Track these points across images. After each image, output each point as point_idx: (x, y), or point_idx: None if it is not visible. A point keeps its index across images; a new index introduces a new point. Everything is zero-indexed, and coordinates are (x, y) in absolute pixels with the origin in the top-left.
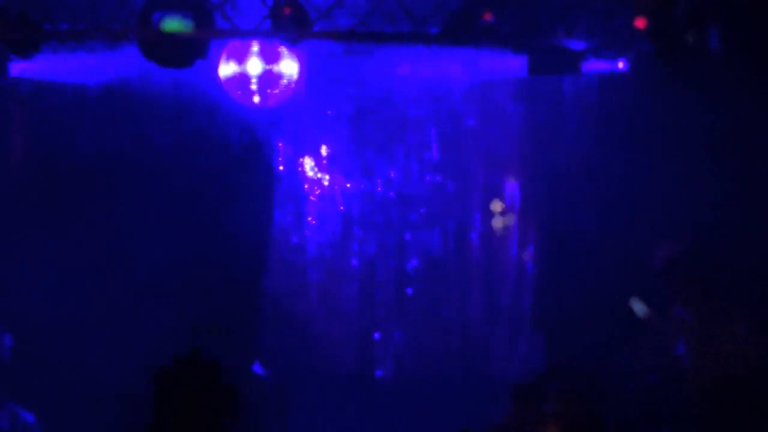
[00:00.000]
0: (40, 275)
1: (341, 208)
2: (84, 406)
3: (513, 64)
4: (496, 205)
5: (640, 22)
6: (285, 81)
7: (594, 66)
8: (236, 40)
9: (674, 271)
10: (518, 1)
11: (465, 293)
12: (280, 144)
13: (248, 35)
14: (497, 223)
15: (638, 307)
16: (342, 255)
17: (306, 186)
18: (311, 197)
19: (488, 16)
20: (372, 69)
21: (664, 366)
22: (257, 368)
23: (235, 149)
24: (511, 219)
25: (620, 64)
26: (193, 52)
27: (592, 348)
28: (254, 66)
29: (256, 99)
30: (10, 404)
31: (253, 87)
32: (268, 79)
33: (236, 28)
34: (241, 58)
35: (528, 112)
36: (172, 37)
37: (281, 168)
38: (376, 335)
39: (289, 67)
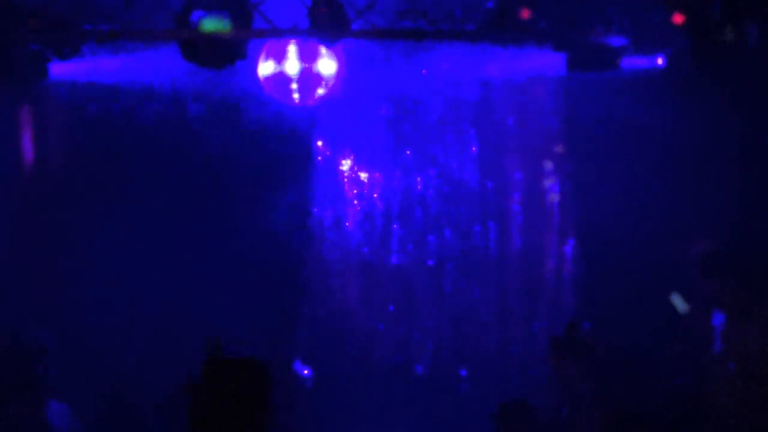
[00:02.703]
0: (80, 276)
1: (380, 206)
2: (125, 404)
3: (551, 62)
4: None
5: (678, 18)
6: (323, 80)
7: (632, 62)
8: (275, 40)
9: (712, 267)
10: None
11: (504, 290)
12: (319, 143)
13: (286, 35)
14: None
15: (679, 303)
16: (381, 253)
17: (345, 184)
18: (350, 196)
19: (526, 14)
20: (410, 67)
21: (701, 364)
22: (297, 366)
23: (274, 148)
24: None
25: (659, 61)
26: (232, 52)
27: (631, 345)
28: (293, 65)
29: (295, 98)
30: (54, 402)
31: (292, 86)
32: (307, 78)
33: (275, 28)
34: (279, 57)
35: (566, 110)
36: (211, 37)
37: (320, 166)
38: (416, 332)
39: (327, 66)
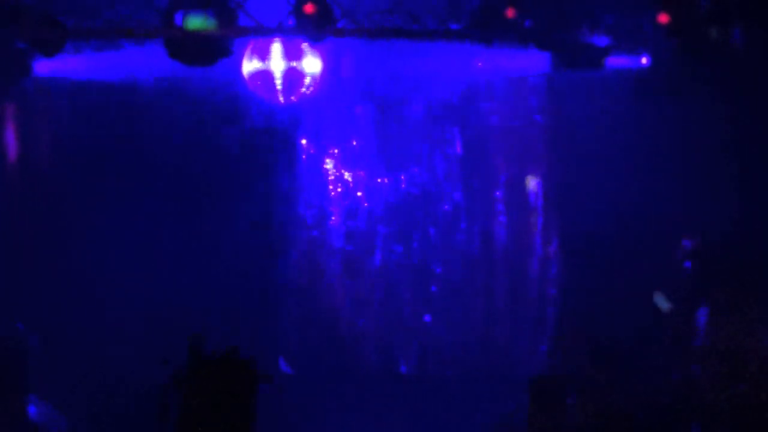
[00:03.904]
0: (65, 274)
1: (365, 204)
2: (110, 401)
3: (536, 61)
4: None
5: (663, 18)
6: (308, 78)
7: (617, 62)
8: (260, 38)
9: (697, 266)
10: None
11: (489, 289)
12: (303, 141)
13: (271, 33)
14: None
15: (662, 302)
16: (366, 251)
17: (329, 182)
18: (335, 194)
19: (511, 13)
20: (395, 66)
21: (688, 361)
22: (282, 365)
23: (259, 146)
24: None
25: (643, 60)
26: (217, 50)
27: (616, 344)
28: (277, 63)
29: (280, 96)
30: (41, 402)
31: (277, 84)
32: (292, 76)
33: (260, 26)
34: (264, 55)
35: (551, 109)
36: (196, 35)
37: (304, 165)
38: (401, 331)
39: (312, 64)
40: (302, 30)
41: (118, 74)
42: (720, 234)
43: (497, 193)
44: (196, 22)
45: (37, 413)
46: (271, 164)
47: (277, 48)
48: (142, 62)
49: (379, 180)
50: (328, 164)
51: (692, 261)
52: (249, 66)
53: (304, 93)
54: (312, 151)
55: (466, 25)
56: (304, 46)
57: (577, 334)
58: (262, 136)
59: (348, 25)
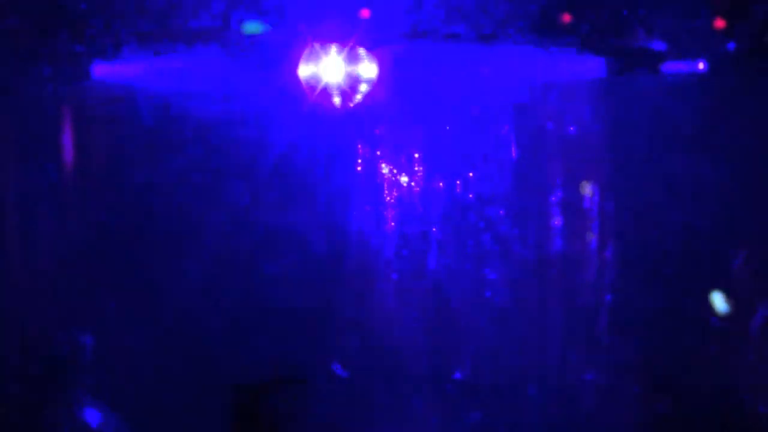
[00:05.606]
0: (120, 279)
1: (419, 209)
2: (162, 406)
3: (592, 66)
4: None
5: (720, 23)
6: (364, 83)
7: (674, 67)
8: (316, 42)
9: (757, 275)
10: (597, 2)
11: (544, 295)
12: (358, 146)
13: (328, 37)
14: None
15: (719, 304)
16: (420, 257)
17: (384, 187)
18: (389, 198)
19: (567, 17)
20: (451, 71)
21: (740, 367)
22: (336, 369)
23: (313, 151)
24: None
25: (700, 65)
26: (273, 53)
27: (672, 353)
28: (333, 68)
29: (336, 101)
30: (95, 403)
31: (333, 89)
32: (347, 81)
33: (315, 30)
34: (320, 60)
35: (607, 114)
36: (252, 38)
37: (359, 169)
38: (455, 337)
39: (368, 69)
40: (358, 35)
41: (175, 78)
42: None
43: (552, 198)
44: (252, 25)
45: (89, 416)
46: (325, 169)
47: (333, 53)
48: (200, 66)
49: (433, 185)
50: (383, 169)
51: (752, 270)
52: (305, 71)
53: (360, 98)
54: (367, 156)
55: (523, 30)
56: (361, 50)
57: (633, 342)
58: (317, 140)
59: (404, 29)
